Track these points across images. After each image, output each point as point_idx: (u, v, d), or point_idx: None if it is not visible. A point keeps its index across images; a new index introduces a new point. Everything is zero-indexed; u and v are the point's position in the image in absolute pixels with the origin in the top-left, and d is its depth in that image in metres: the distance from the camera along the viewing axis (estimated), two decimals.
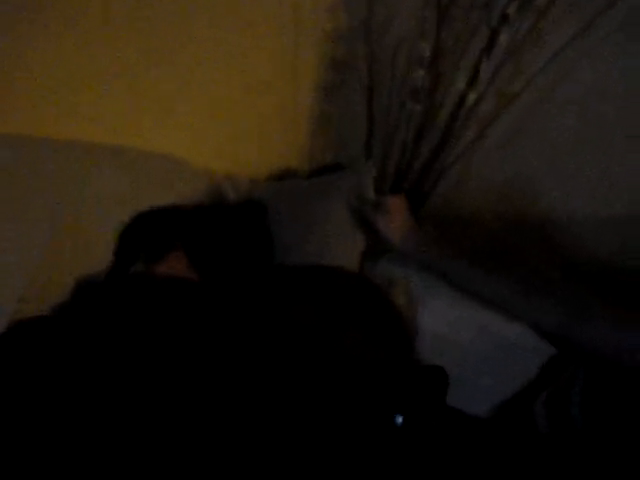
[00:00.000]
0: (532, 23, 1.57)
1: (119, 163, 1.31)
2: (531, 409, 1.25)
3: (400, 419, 0.93)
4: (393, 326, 1.22)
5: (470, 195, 1.80)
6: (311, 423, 0.89)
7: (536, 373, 1.29)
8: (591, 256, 1.55)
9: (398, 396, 0.96)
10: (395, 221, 1.42)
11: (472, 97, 1.67)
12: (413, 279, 1.40)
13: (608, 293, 1.25)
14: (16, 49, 1.20)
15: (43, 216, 1.15)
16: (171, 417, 0.85)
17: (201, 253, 1.23)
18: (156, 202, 1.30)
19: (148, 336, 0.94)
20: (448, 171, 1.77)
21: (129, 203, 1.27)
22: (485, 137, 1.72)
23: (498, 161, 1.74)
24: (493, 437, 1.15)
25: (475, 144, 1.73)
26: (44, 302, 1.08)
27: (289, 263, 1.42)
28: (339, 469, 0.87)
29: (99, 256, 1.23)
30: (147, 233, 1.27)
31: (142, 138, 1.45)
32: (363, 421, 0.93)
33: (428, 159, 1.77)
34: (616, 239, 1.54)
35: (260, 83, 1.81)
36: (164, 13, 1.45)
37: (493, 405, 1.29)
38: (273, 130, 1.83)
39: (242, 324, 0.99)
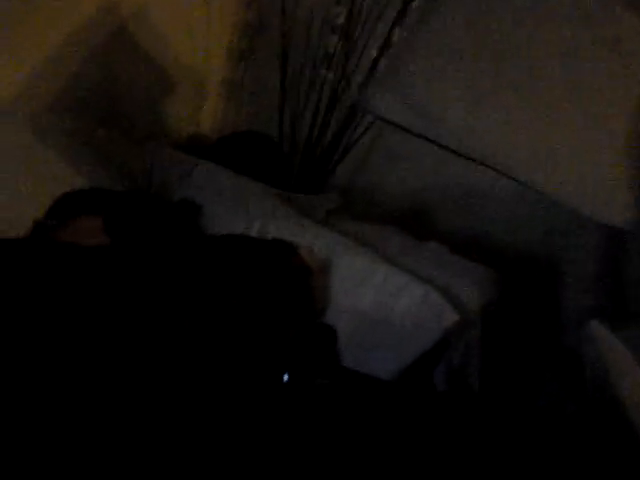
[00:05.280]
0: None
1: None
2: (432, 373, 1.26)
3: (286, 376, 0.92)
4: (294, 290, 1.21)
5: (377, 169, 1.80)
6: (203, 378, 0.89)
7: (439, 338, 1.28)
8: None
9: (285, 354, 0.95)
10: None
11: (384, 64, 1.66)
12: (317, 244, 1.37)
13: None
14: None
15: None
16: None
17: (118, 220, 1.20)
18: None
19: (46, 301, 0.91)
20: (359, 141, 1.75)
21: None
22: None
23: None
24: (394, 400, 1.14)
25: None
26: None
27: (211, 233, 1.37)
28: (226, 425, 0.86)
29: None
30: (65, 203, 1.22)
31: None
32: (251, 378, 0.91)
33: (339, 128, 1.75)
34: None
35: (171, 47, 1.75)
36: None
37: (397, 369, 1.28)
38: (183, 95, 1.77)
39: (149, 287, 0.98)
